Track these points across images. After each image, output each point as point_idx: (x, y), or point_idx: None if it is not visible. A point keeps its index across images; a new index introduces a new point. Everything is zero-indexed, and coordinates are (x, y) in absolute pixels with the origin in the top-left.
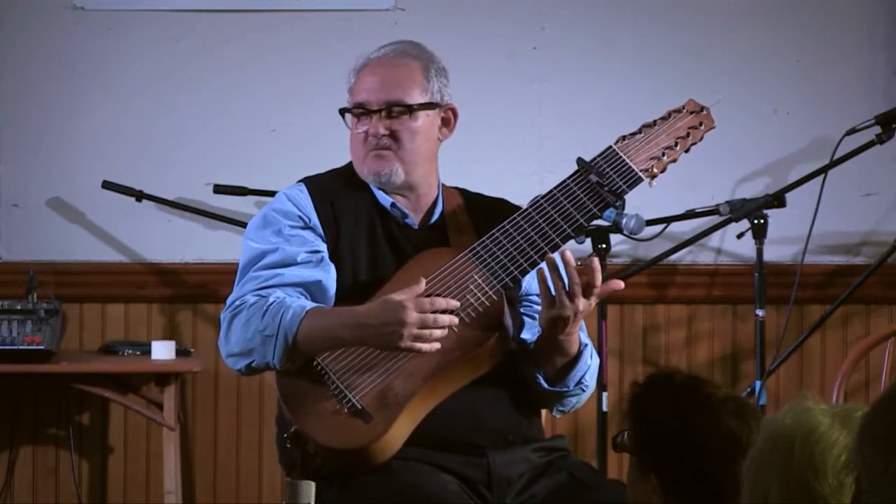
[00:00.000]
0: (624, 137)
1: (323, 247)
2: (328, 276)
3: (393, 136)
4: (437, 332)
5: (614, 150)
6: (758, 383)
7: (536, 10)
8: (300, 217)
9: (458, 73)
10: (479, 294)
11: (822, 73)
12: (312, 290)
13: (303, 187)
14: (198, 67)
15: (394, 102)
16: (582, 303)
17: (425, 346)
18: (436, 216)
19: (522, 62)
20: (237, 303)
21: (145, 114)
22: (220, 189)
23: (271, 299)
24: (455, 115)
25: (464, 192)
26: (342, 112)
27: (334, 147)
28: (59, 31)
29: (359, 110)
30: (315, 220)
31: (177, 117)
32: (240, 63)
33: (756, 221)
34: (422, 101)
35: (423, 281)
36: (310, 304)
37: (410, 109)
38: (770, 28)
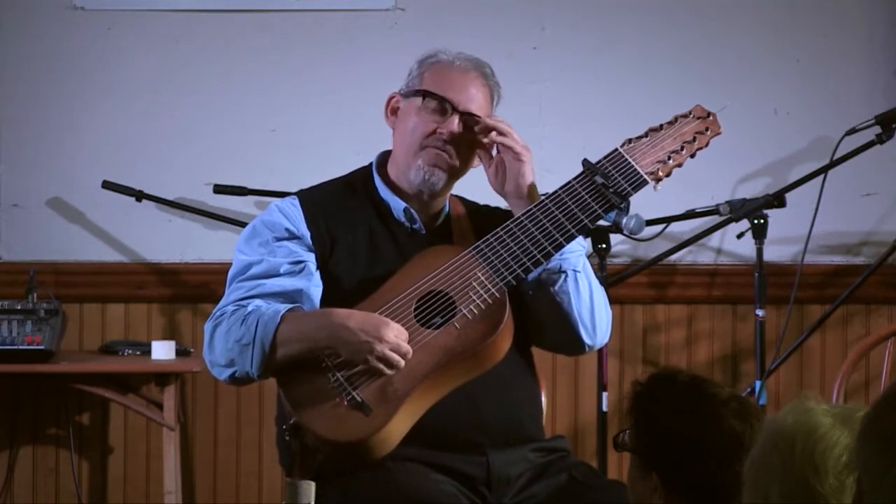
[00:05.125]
0: (630, 140)
1: (309, 257)
2: (310, 285)
3: (456, 144)
4: (402, 363)
5: (620, 152)
6: (758, 383)
7: (536, 10)
8: (287, 229)
9: None
10: (481, 291)
11: (822, 73)
12: (295, 298)
13: (295, 201)
14: (198, 67)
15: (472, 116)
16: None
17: (386, 370)
18: (441, 220)
19: (522, 62)
20: (218, 313)
21: (145, 114)
22: (220, 189)
23: (249, 308)
24: None
25: (464, 201)
26: (418, 93)
27: (334, 147)
28: (59, 31)
29: (442, 103)
30: (304, 232)
31: (177, 117)
32: (240, 63)
33: (756, 221)
34: None
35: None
36: (284, 308)
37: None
38: (770, 28)
